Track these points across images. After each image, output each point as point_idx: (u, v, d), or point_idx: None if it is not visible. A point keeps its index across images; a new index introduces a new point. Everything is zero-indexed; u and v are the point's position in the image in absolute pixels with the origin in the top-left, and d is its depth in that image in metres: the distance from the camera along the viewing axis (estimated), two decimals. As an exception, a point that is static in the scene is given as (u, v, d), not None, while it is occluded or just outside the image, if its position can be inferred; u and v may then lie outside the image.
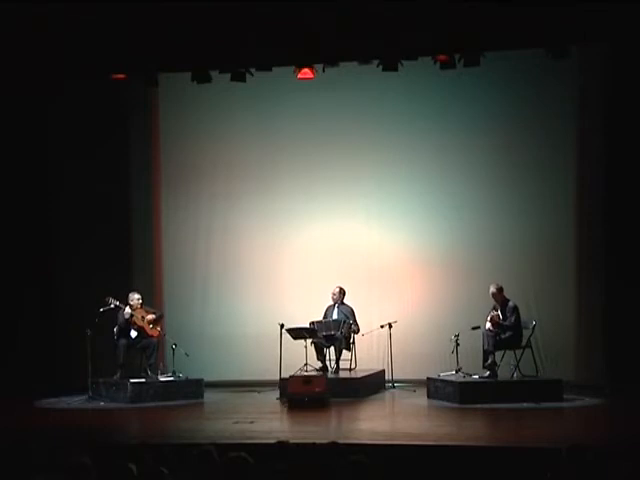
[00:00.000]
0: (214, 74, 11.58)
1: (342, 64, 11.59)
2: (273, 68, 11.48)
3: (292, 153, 13.17)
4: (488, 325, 11.10)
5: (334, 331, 11.90)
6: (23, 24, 10.77)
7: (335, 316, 12.30)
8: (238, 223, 13.28)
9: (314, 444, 6.51)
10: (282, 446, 6.02)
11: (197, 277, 13.35)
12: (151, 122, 13.32)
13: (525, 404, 10.39)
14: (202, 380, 11.75)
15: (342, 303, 12.37)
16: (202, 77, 11.61)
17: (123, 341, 11.60)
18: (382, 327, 12.24)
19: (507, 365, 11.11)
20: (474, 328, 11.23)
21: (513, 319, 11.07)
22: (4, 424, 9.49)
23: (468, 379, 11.06)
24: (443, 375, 11.31)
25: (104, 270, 12.33)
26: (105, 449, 7.17)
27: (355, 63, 11.65)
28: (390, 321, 12.16)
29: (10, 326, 12.37)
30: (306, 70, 11.74)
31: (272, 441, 6.36)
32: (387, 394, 11.94)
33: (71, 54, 11.08)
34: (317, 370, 11.84)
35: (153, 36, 10.86)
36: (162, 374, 11.74)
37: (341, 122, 12.96)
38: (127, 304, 11.69)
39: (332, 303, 12.41)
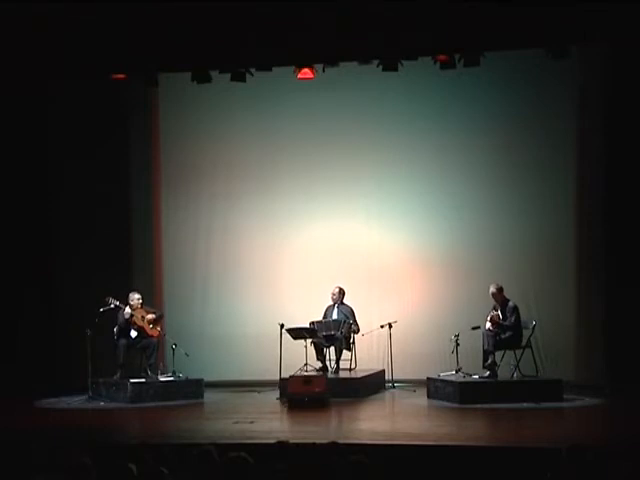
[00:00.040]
0: (214, 74, 11.59)
1: (342, 64, 11.60)
2: (273, 68, 11.49)
3: (292, 153, 13.16)
4: (488, 325, 11.10)
5: (334, 331, 11.89)
6: (23, 24, 10.78)
7: (335, 316, 12.29)
8: (238, 223, 13.27)
9: (314, 444, 6.51)
10: (282, 446, 6.01)
11: (197, 277, 13.35)
12: (151, 122, 13.32)
13: (525, 404, 10.38)
14: (202, 380, 11.75)
15: (342, 303, 12.37)
16: (202, 77, 11.61)
17: (123, 341, 11.59)
18: (382, 327, 12.24)
19: (507, 365, 11.10)
20: (474, 328, 11.22)
21: (513, 319, 11.07)
22: (4, 424, 9.49)
23: (468, 379, 11.05)
24: (443, 375, 11.30)
25: (104, 270, 12.34)
26: (105, 449, 7.17)
27: (355, 63, 11.65)
28: (390, 321, 12.16)
29: (10, 326, 12.36)
30: (306, 70, 11.74)
31: (272, 441, 6.35)
32: (387, 394, 11.93)
33: (71, 54, 11.09)
34: (317, 370, 11.83)
35: (153, 36, 10.87)
36: (162, 374, 11.73)
37: (341, 122, 12.96)
38: (127, 304, 11.68)
39: (332, 303, 12.40)
